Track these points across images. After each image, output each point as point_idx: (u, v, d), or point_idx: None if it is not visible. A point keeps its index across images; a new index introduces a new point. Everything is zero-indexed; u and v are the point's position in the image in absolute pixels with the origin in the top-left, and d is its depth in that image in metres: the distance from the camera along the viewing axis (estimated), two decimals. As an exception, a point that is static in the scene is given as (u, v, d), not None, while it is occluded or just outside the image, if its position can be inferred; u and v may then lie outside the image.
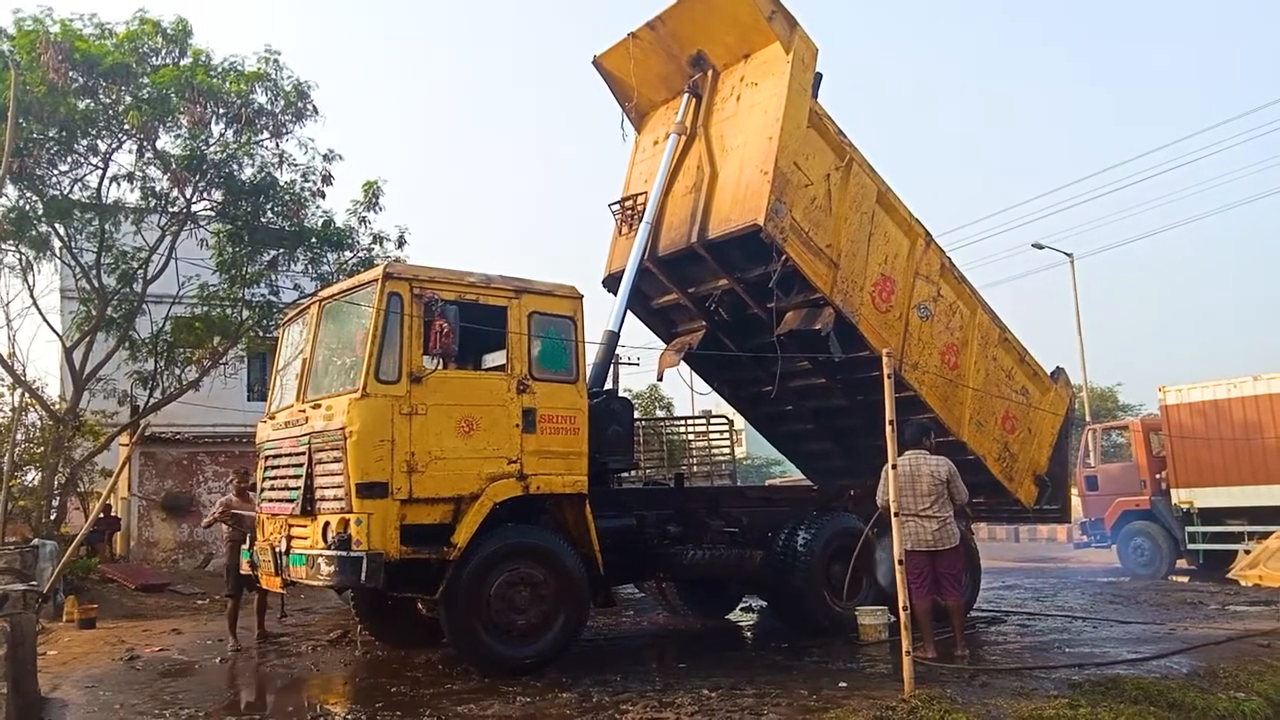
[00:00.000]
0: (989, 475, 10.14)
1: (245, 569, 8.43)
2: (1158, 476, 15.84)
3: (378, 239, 15.01)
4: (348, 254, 14.88)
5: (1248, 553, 14.00)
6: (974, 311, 10.14)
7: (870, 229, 9.27)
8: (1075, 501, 16.12)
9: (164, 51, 12.97)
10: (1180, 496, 15.13)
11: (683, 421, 20.66)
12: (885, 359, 6.37)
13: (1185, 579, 14.93)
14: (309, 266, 14.66)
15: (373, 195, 14.78)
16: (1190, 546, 15.08)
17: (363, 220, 14.84)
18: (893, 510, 6.35)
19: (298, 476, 7.18)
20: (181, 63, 12.90)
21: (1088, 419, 23.45)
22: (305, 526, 7.10)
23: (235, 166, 13.80)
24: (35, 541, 11.19)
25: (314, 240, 14.40)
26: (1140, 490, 15.96)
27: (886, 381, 6.26)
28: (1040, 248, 28.03)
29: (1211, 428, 14.63)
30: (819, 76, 9.01)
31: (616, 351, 9.54)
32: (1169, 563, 15.44)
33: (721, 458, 18.24)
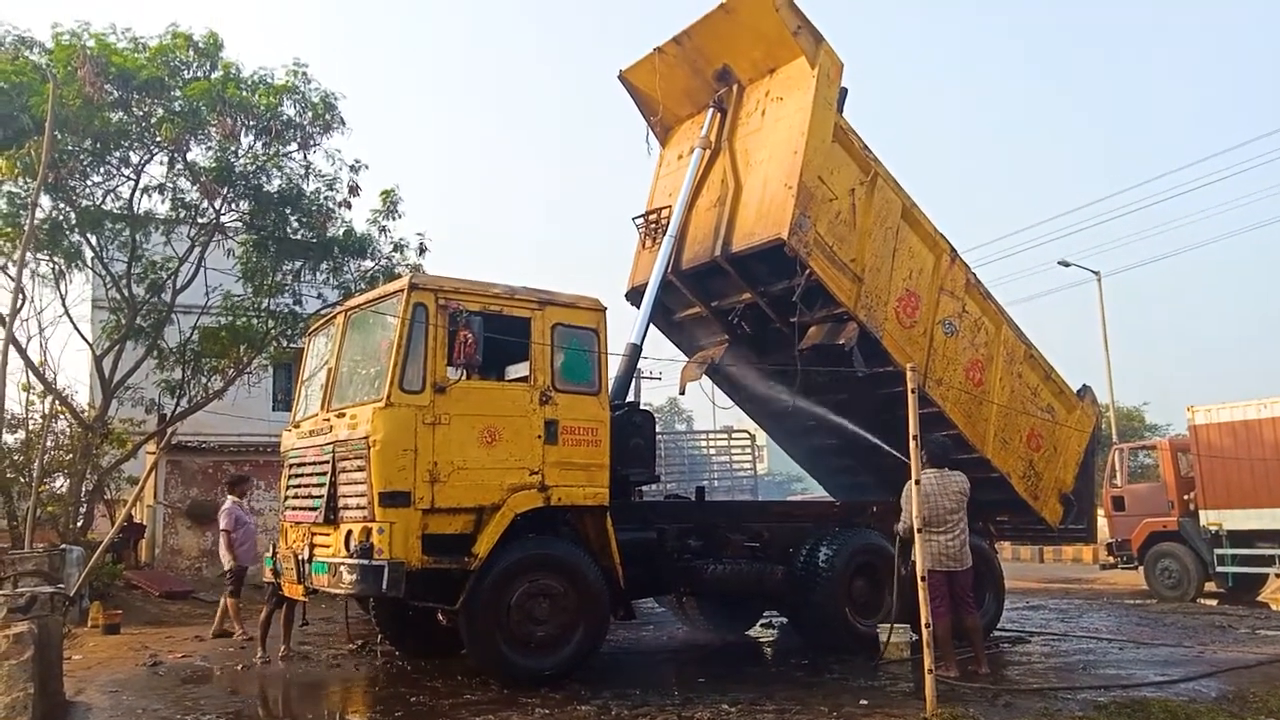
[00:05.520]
0: (1013, 493, 10.05)
1: (268, 576, 8.48)
2: (1186, 497, 15.58)
3: (398, 247, 15.12)
4: (369, 262, 15.01)
5: (1278, 576, 13.77)
6: (999, 327, 10.08)
7: (895, 244, 9.25)
8: (1101, 522, 15.91)
9: (195, 65, 13.16)
10: (1209, 518, 14.88)
11: (704, 435, 20.64)
12: (909, 374, 6.35)
13: (1214, 602, 14.68)
14: (331, 275, 14.79)
15: (391, 203, 14.91)
16: (1219, 569, 14.80)
17: (383, 229, 14.98)
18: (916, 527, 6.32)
19: (321, 485, 7.23)
20: (212, 76, 13.09)
21: (1114, 438, 23.18)
22: (328, 535, 7.15)
23: (264, 178, 13.99)
24: (63, 546, 11.31)
25: (336, 250, 14.55)
26: (1168, 511, 15.71)
27: (910, 397, 6.23)
28: (1067, 265, 27.78)
29: (1241, 448, 14.40)
30: (844, 91, 9.03)
31: (639, 364, 9.55)
32: (1197, 585, 15.16)
33: (743, 472, 18.18)
